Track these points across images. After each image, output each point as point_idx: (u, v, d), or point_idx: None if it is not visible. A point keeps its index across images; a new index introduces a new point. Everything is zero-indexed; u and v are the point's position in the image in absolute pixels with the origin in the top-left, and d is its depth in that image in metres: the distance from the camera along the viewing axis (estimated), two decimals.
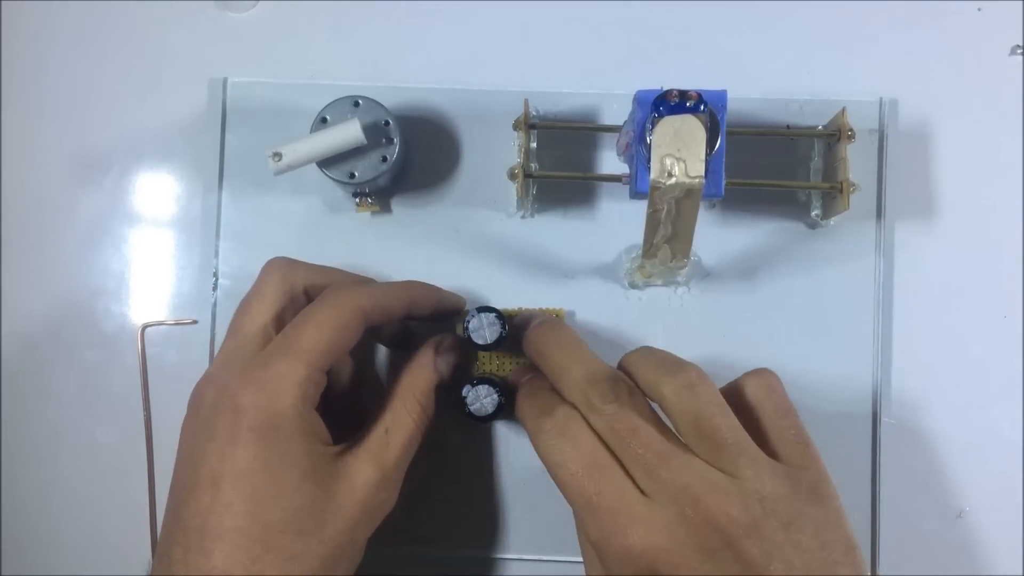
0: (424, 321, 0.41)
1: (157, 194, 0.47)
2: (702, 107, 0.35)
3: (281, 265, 0.37)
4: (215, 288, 0.46)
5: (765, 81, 0.47)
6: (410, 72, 0.47)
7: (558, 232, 0.46)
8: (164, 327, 0.46)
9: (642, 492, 0.31)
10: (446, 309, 0.41)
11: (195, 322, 0.46)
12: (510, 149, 0.45)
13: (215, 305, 0.46)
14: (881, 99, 0.46)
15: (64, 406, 0.46)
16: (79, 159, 0.47)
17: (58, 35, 0.48)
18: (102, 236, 0.47)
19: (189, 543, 0.31)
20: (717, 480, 0.31)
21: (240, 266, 0.46)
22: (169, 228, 0.47)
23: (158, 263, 0.47)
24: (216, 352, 0.46)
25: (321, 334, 0.33)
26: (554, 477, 0.33)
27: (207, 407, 0.33)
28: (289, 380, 0.32)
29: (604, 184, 0.46)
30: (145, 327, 0.46)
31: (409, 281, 0.41)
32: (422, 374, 0.38)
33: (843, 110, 0.43)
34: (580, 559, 0.35)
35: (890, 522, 0.45)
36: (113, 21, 0.48)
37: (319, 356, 0.33)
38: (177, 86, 0.47)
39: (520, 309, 0.44)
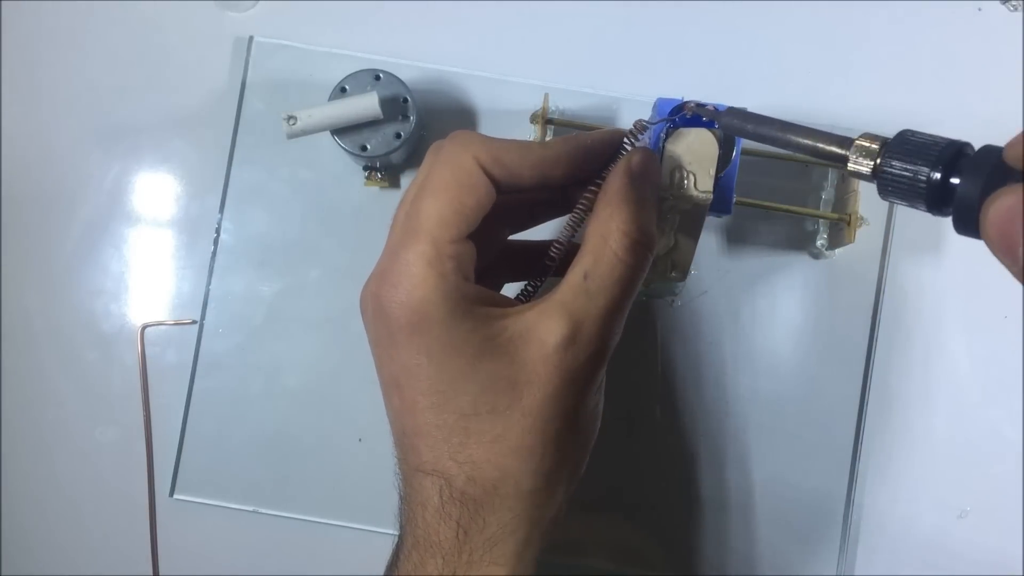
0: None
1: (159, 188, 0.47)
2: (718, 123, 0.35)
3: (445, 146, 0.31)
4: (215, 243, 0.46)
5: (790, 103, 0.46)
6: (435, 53, 0.47)
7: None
8: (164, 327, 0.47)
9: None
10: (599, 159, 0.32)
11: (195, 322, 0.46)
12: None
13: (213, 257, 0.46)
14: None
15: (64, 406, 0.46)
16: (79, 159, 0.47)
17: (57, 32, 0.48)
18: (102, 236, 0.47)
19: (400, 444, 0.31)
20: None
21: (241, 223, 0.46)
22: (169, 228, 0.47)
23: (158, 263, 0.47)
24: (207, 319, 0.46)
25: (437, 201, 0.30)
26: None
27: (365, 310, 0.31)
28: (417, 265, 0.29)
29: None
30: (145, 327, 0.46)
31: (551, 140, 0.33)
32: (623, 197, 0.30)
33: None
34: None
35: (890, 522, 0.45)
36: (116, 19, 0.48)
37: (443, 227, 0.29)
38: (202, 51, 0.47)
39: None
